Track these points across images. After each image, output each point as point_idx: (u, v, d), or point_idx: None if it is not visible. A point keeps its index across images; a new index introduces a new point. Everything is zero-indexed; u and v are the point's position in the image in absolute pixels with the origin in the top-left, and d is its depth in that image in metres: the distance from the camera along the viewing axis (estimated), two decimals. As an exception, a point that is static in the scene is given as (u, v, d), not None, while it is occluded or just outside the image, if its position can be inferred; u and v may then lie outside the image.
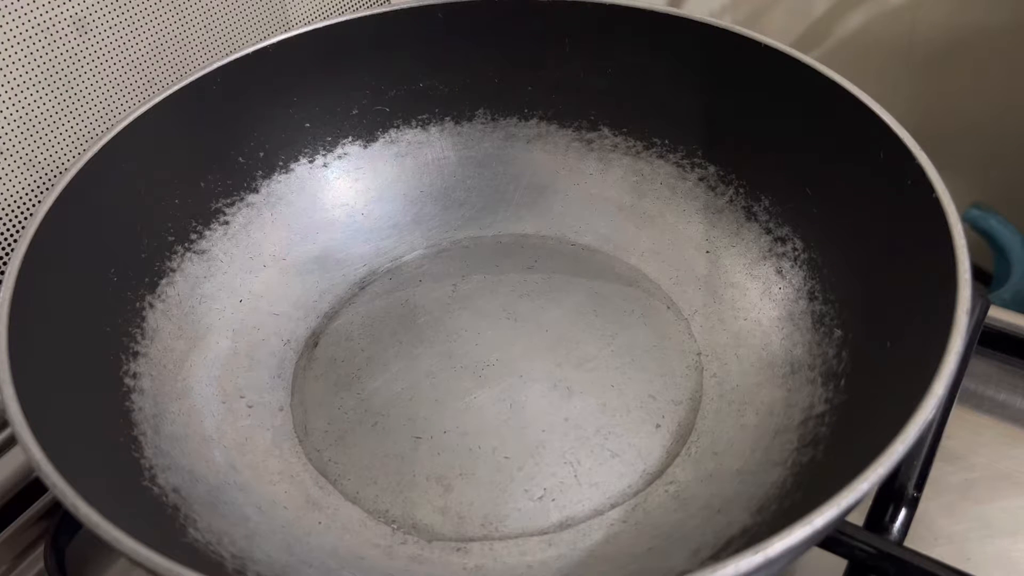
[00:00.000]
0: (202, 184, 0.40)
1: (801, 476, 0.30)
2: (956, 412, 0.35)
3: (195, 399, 0.36)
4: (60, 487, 0.24)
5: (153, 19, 0.42)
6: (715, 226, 0.41)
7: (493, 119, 0.44)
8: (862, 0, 0.80)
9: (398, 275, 0.43)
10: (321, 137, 0.43)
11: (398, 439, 0.36)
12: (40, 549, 0.34)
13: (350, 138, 0.44)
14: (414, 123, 0.45)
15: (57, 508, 0.34)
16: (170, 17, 0.43)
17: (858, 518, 0.32)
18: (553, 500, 0.33)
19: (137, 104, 0.38)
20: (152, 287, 0.37)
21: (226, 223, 0.41)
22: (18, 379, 0.27)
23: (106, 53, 0.41)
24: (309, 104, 0.43)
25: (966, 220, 0.79)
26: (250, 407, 0.37)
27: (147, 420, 0.33)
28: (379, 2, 0.56)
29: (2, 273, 0.30)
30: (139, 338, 0.35)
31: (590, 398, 0.36)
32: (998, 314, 0.39)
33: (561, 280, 0.42)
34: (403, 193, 0.45)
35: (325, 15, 0.53)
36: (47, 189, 0.38)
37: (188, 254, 0.39)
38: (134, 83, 0.42)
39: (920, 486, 0.33)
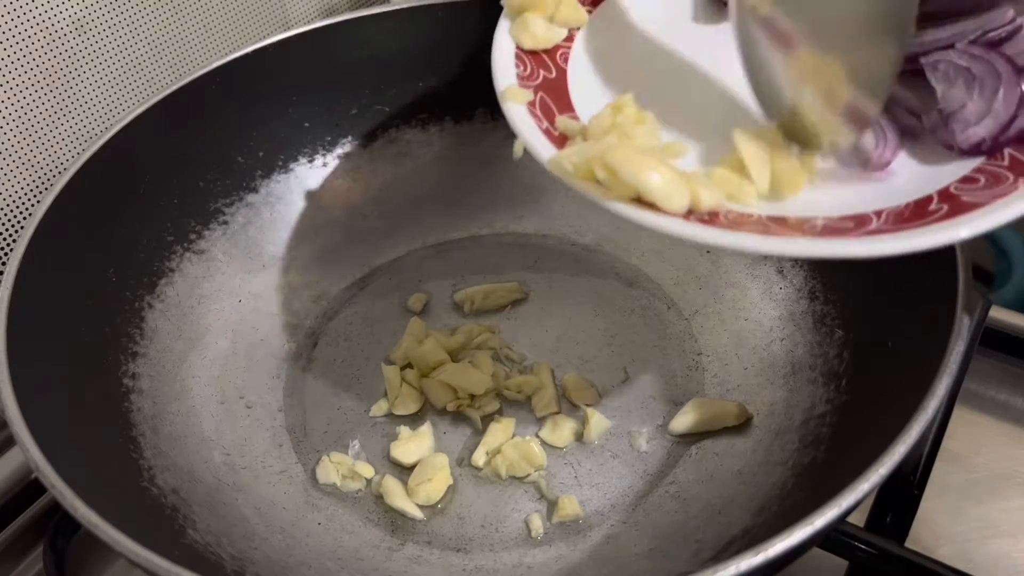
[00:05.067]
0: (201, 184, 0.40)
1: (802, 477, 0.30)
2: (957, 412, 0.35)
3: (194, 400, 0.36)
4: (59, 488, 0.24)
5: (152, 19, 0.42)
6: (715, 226, 0.41)
7: (493, 118, 0.44)
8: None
9: (398, 275, 0.43)
10: (321, 137, 0.43)
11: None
12: (39, 549, 0.34)
13: (350, 138, 0.44)
14: (414, 123, 0.45)
15: (56, 509, 0.34)
16: (169, 17, 0.43)
17: (859, 519, 0.32)
18: (553, 500, 0.33)
19: (136, 104, 0.38)
20: (151, 287, 0.37)
21: (225, 223, 0.41)
22: (17, 380, 0.27)
23: (105, 53, 0.41)
24: (309, 104, 0.43)
25: (967, 220, 0.78)
26: (249, 408, 0.37)
27: (146, 421, 0.33)
28: (379, 2, 0.56)
29: (1, 273, 0.30)
30: (138, 338, 0.35)
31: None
32: (999, 314, 0.39)
33: (561, 280, 0.42)
34: (403, 193, 0.45)
35: (325, 15, 0.53)
36: (46, 189, 0.38)
37: (187, 254, 0.39)
38: (133, 83, 0.42)
39: (921, 486, 0.33)
